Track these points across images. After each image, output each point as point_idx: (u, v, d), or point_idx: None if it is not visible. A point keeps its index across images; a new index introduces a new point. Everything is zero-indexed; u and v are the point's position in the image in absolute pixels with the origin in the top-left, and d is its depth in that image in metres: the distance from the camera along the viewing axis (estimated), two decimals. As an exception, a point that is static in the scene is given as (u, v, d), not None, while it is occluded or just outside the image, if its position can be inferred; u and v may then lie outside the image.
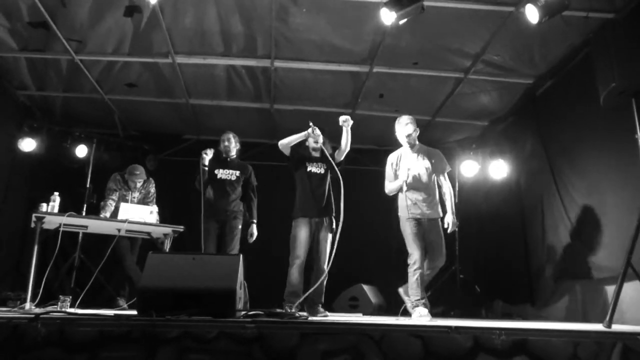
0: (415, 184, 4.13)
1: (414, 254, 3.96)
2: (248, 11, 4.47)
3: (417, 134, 4.27)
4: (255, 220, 4.80)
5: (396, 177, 4.21)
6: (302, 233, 4.21)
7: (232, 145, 4.89)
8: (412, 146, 4.25)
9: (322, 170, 4.43)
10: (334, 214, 4.35)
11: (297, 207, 4.34)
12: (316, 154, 4.49)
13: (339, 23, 4.59)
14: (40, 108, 6.34)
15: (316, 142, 4.42)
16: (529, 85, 5.46)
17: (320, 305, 4.16)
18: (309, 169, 4.41)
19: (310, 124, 4.37)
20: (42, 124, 6.09)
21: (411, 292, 3.96)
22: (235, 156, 4.92)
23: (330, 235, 4.27)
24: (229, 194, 4.72)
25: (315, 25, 4.63)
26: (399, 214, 4.17)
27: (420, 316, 3.83)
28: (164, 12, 4.47)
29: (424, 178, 4.15)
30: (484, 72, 5.27)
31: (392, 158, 4.31)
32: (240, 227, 4.72)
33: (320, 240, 4.24)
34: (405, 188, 4.08)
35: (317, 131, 4.37)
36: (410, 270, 3.96)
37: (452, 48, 4.93)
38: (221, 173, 4.77)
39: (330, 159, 4.31)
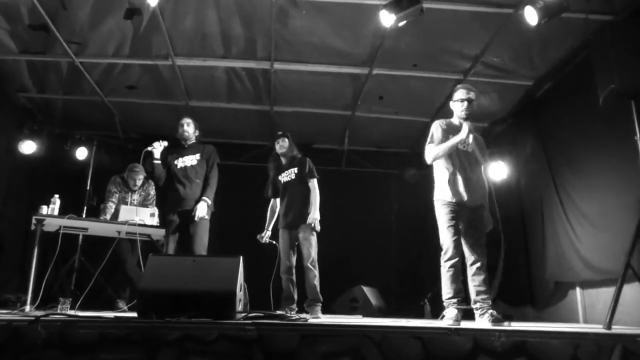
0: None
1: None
2: (248, 13, 4.48)
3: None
4: (207, 199, 4.24)
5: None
6: (283, 241, 4.36)
7: (192, 131, 4.51)
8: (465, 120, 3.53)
9: (293, 177, 4.45)
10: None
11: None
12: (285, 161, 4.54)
13: (339, 25, 4.60)
14: (40, 110, 6.34)
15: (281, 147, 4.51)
16: (528, 87, 5.47)
17: (318, 305, 4.13)
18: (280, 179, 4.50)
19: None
20: (42, 126, 6.10)
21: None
22: (194, 141, 4.53)
23: (312, 236, 4.23)
24: (193, 180, 4.32)
25: (315, 27, 4.64)
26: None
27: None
28: (164, 15, 4.48)
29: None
30: (483, 73, 5.28)
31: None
32: (197, 214, 4.16)
33: (302, 241, 4.27)
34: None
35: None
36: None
37: (451, 50, 4.94)
38: (180, 162, 4.39)
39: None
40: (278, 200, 4.57)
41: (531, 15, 3.96)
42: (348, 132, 6.81)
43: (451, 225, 3.39)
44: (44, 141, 5.99)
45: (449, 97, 5.63)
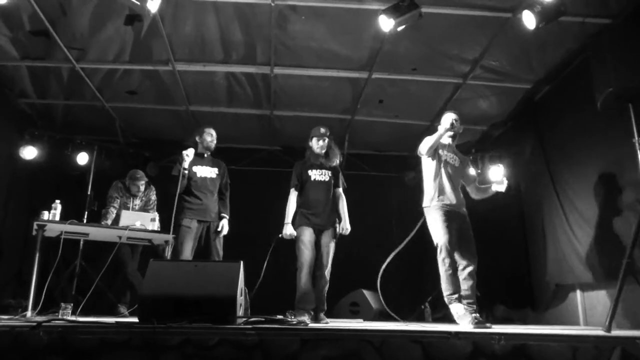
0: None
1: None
2: (247, 19, 4.50)
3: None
4: (227, 216, 4.59)
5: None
6: (306, 237, 4.20)
7: (215, 142, 4.68)
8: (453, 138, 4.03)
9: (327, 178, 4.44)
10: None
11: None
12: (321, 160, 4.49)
13: (338, 30, 4.62)
14: (41, 116, 6.37)
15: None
16: (527, 90, 5.48)
17: (323, 313, 4.16)
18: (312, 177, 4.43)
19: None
20: (43, 131, 6.11)
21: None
22: (210, 154, 4.72)
23: (333, 243, 4.29)
24: (213, 192, 4.55)
25: (314, 32, 4.66)
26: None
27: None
28: (164, 21, 4.50)
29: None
30: (482, 77, 5.30)
31: None
32: (222, 232, 4.52)
33: (324, 247, 4.24)
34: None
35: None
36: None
37: (450, 54, 4.96)
38: (201, 171, 4.55)
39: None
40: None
41: (529, 20, 3.98)
42: (348, 136, 6.82)
43: (446, 226, 3.66)
44: (45, 146, 6.00)
45: (449, 100, 5.71)
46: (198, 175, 4.52)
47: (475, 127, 6.58)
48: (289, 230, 4.27)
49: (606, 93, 3.31)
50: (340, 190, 4.53)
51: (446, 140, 3.99)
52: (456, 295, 3.53)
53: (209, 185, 4.52)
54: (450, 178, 3.87)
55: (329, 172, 4.45)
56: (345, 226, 4.38)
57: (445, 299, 3.60)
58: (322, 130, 4.49)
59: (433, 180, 3.87)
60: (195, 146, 4.59)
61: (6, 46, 4.85)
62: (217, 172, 4.61)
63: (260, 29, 4.63)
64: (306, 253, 4.15)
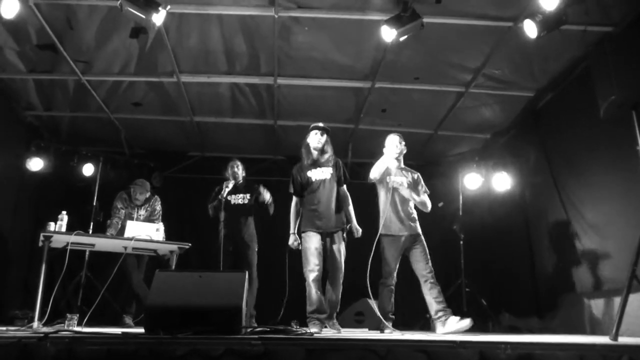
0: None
1: None
2: (251, 31, 4.55)
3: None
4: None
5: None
6: (312, 244, 3.94)
7: (240, 172, 5.01)
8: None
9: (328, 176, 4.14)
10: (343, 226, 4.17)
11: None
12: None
13: (341, 40, 4.67)
14: (47, 128, 6.44)
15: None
16: (530, 98, 5.50)
17: (335, 318, 4.03)
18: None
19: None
20: (49, 143, 6.17)
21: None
22: (242, 181, 5.04)
23: (343, 246, 4.07)
24: (245, 217, 4.92)
25: (317, 43, 4.71)
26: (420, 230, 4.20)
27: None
28: (169, 33, 4.56)
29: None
30: (485, 85, 5.33)
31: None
32: (255, 250, 4.89)
33: (335, 252, 4.01)
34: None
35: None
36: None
37: (452, 63, 4.99)
38: (234, 198, 4.93)
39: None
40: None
41: (531, 29, 4.00)
42: (351, 145, 6.84)
43: (391, 256, 4.11)
44: (51, 158, 6.06)
45: (452, 109, 5.73)
46: (232, 203, 4.95)
47: (478, 135, 6.60)
48: (292, 240, 4.11)
49: (609, 101, 3.31)
50: (345, 188, 4.22)
51: (393, 163, 4.21)
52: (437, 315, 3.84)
53: (239, 212, 4.96)
54: (396, 204, 4.15)
55: (329, 170, 4.12)
56: (355, 227, 4.20)
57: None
58: (320, 124, 4.21)
59: (382, 208, 4.20)
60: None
61: (14, 60, 4.93)
62: (248, 197, 5.02)
63: (263, 40, 4.68)
64: (313, 262, 3.89)
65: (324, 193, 4.06)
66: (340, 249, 4.02)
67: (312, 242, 3.95)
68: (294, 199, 4.21)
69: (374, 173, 4.11)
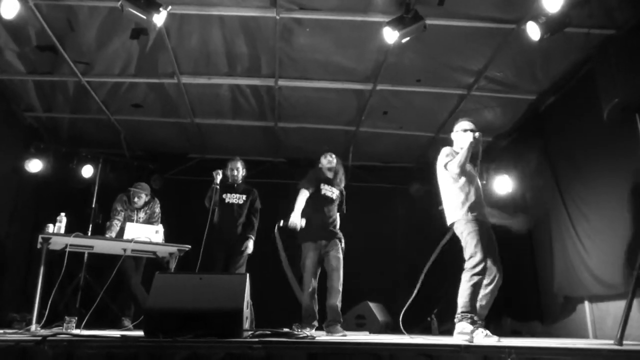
0: None
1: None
2: (252, 32, 4.53)
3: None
4: (252, 237, 4.88)
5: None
6: (310, 257, 4.28)
7: (240, 174, 5.02)
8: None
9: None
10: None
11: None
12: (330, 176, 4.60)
13: (342, 42, 4.65)
14: (47, 129, 6.41)
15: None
16: (532, 101, 5.48)
17: (339, 325, 4.13)
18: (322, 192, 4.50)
19: None
20: (48, 145, 6.15)
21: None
22: (241, 182, 5.05)
23: (340, 254, 4.32)
24: (237, 218, 4.86)
25: (318, 44, 4.69)
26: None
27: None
28: (169, 34, 4.54)
29: None
30: (487, 88, 5.30)
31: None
32: (247, 250, 4.82)
33: (332, 259, 4.27)
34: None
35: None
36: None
37: (454, 65, 4.97)
38: (229, 197, 4.90)
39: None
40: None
41: (533, 31, 3.98)
42: (352, 148, 6.82)
43: (480, 239, 3.44)
44: (50, 160, 6.03)
45: (453, 111, 5.71)
46: (226, 201, 4.92)
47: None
48: (295, 218, 4.18)
49: (612, 104, 3.30)
50: (341, 213, 4.67)
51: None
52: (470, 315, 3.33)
53: (234, 211, 4.90)
54: (477, 188, 3.64)
55: (338, 192, 4.58)
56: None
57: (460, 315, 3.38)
58: (327, 150, 4.70)
59: (460, 193, 3.59)
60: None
61: (13, 61, 4.90)
62: (244, 199, 4.99)
63: (265, 41, 4.66)
64: (308, 273, 4.24)
65: (330, 208, 4.46)
66: (338, 257, 4.29)
67: (309, 255, 4.26)
68: (305, 192, 4.38)
69: (457, 169, 3.57)
